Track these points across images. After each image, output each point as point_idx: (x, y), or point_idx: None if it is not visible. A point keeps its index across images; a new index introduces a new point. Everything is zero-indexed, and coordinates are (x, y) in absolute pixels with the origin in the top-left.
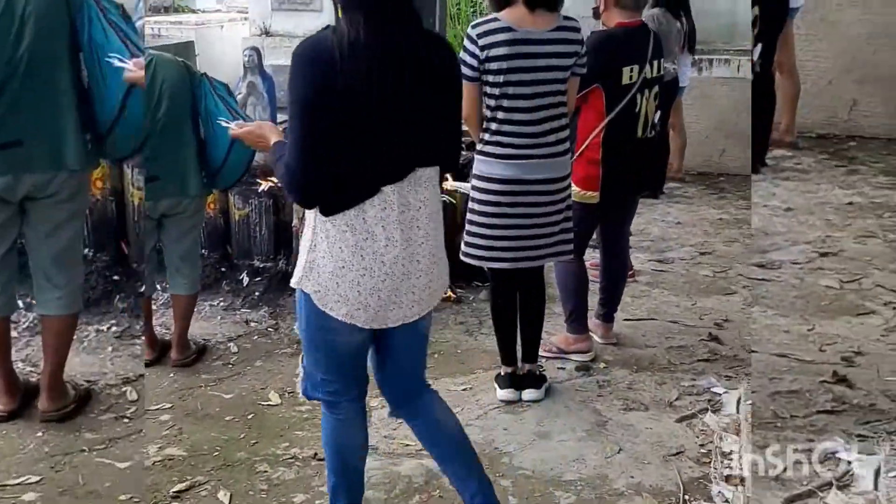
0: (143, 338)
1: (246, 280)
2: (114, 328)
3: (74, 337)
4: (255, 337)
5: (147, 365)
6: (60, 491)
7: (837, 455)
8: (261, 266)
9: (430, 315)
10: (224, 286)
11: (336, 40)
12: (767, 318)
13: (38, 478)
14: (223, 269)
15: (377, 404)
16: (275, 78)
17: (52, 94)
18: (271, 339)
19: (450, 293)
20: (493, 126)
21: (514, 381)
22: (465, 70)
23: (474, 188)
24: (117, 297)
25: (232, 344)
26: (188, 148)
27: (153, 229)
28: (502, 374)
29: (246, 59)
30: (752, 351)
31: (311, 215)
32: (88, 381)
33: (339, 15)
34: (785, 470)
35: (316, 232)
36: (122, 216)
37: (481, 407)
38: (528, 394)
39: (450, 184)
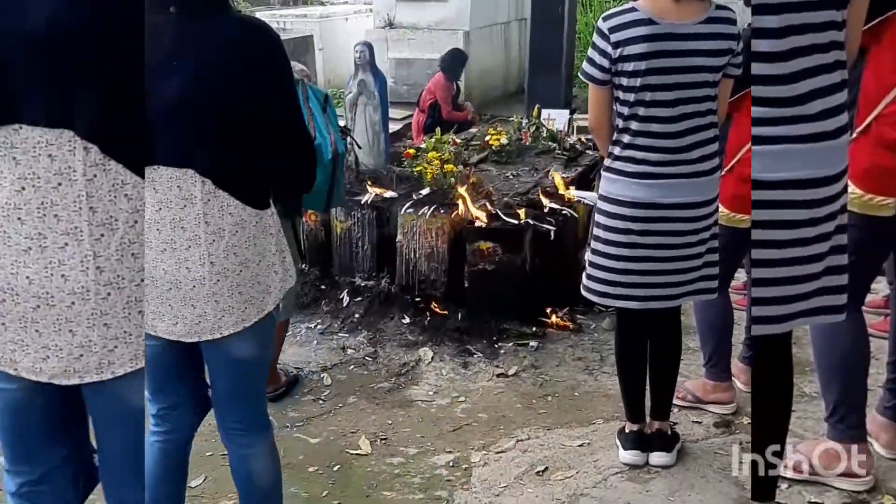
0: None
1: (346, 300)
2: (319, 326)
3: (290, 333)
4: (352, 367)
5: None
6: None
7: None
8: (362, 285)
9: (245, 341)
10: (323, 306)
11: None
12: None
13: None
14: (323, 287)
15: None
16: (399, 71)
17: None
18: (368, 371)
19: (566, 321)
20: (626, 138)
21: (641, 441)
22: (592, 71)
23: (600, 211)
24: (322, 301)
25: (326, 375)
26: None
27: None
28: (626, 431)
29: (357, 55)
30: None
31: None
32: (297, 368)
33: None
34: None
35: None
36: (329, 241)
37: (599, 470)
38: (656, 458)
39: (572, 192)
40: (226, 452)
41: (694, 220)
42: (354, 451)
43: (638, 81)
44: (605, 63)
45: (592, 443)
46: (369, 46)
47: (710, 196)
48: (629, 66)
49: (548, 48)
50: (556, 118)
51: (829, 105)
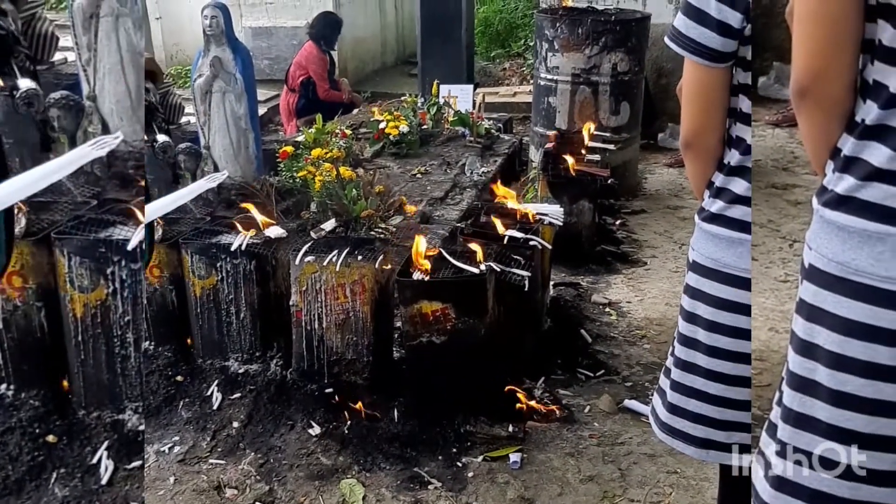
0: None
1: (216, 398)
2: (176, 448)
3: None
4: None
5: None
6: None
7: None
8: (240, 371)
9: None
10: (181, 412)
11: None
12: None
13: None
14: (178, 379)
15: None
16: (258, 41)
17: None
18: None
19: (549, 404)
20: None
21: None
22: (702, 34)
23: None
24: (179, 403)
25: None
26: None
27: None
28: None
29: (207, 22)
30: None
31: None
32: None
33: None
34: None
35: None
36: (184, 306)
37: None
38: None
39: (530, 207)
40: None
41: None
42: None
43: None
44: (734, 19)
45: None
46: (223, 10)
47: None
48: None
49: (443, 9)
50: (457, 95)
51: None
